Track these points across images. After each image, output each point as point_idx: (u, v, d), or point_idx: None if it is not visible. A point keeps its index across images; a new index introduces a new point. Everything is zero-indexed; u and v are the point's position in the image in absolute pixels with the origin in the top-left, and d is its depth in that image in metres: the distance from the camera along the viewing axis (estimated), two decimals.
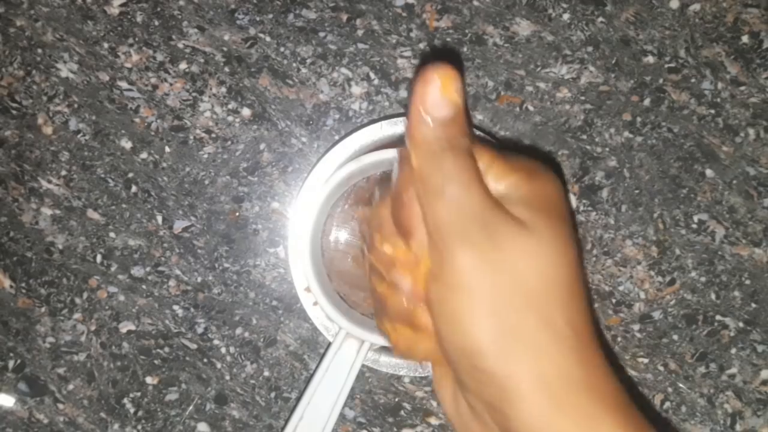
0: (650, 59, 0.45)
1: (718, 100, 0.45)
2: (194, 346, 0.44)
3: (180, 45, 0.44)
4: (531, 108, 0.44)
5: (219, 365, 0.44)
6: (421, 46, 0.44)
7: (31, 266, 0.44)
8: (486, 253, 0.26)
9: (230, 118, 0.44)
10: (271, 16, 0.45)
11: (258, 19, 0.44)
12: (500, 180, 0.28)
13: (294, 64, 0.44)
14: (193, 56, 0.44)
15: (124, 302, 0.44)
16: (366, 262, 0.32)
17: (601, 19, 0.45)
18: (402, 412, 0.44)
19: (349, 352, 0.37)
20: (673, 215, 0.45)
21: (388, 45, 0.44)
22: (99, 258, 0.44)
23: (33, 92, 0.45)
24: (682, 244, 0.45)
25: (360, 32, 0.44)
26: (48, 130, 0.45)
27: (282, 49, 0.44)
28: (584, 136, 0.45)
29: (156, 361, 0.44)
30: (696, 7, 0.45)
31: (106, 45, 0.44)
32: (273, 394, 0.44)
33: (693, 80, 0.45)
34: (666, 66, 0.45)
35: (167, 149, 0.44)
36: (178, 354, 0.44)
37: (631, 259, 0.44)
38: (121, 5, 0.45)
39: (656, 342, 0.44)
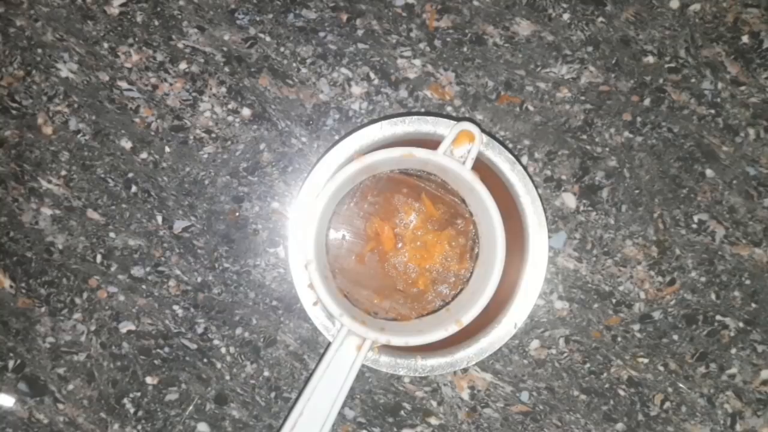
0: (650, 59, 0.45)
1: (718, 100, 0.45)
2: (194, 346, 0.44)
3: (180, 45, 0.44)
4: (531, 108, 0.44)
5: (219, 365, 0.44)
6: (421, 46, 0.44)
7: (31, 266, 0.44)
8: None
9: (230, 118, 0.44)
10: (271, 16, 0.45)
11: (258, 19, 0.45)
12: None
13: (294, 64, 0.44)
14: (193, 56, 0.44)
15: (124, 302, 0.44)
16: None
17: (601, 19, 0.45)
18: (402, 412, 0.44)
19: (349, 350, 0.37)
20: (673, 215, 0.45)
21: (388, 45, 0.44)
22: (99, 258, 0.44)
23: (33, 92, 0.45)
24: (682, 244, 0.45)
25: (360, 32, 0.44)
26: (48, 130, 0.45)
27: (282, 49, 0.44)
28: (584, 136, 0.45)
29: (156, 361, 0.44)
30: (696, 7, 0.45)
31: (106, 45, 0.44)
32: (273, 394, 0.44)
33: (693, 80, 0.45)
34: (666, 66, 0.45)
35: (167, 149, 0.44)
36: (178, 354, 0.44)
37: (631, 259, 0.44)
38: (121, 5, 0.45)
39: (656, 342, 0.44)
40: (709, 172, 0.45)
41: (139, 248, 0.44)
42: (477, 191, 0.37)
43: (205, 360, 0.44)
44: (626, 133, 0.45)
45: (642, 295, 0.44)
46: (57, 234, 0.44)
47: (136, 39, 0.45)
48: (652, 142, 0.45)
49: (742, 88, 0.45)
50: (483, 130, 0.41)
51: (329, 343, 0.38)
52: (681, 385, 0.44)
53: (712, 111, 0.45)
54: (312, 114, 0.44)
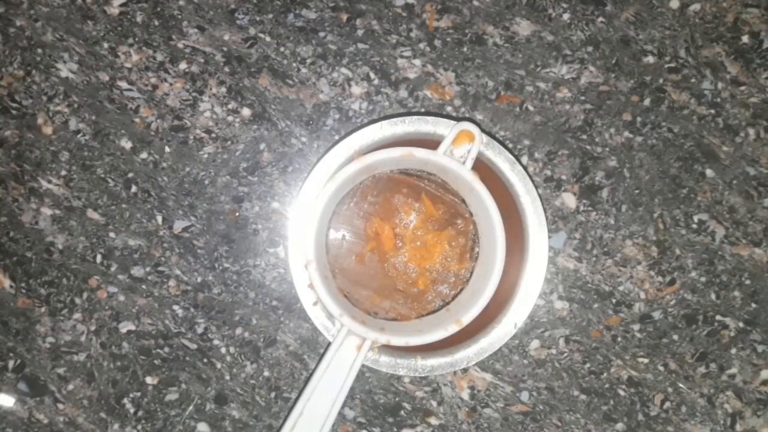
0: (650, 59, 0.45)
1: (718, 100, 0.45)
2: (194, 346, 0.44)
3: (180, 45, 0.44)
4: (531, 108, 0.45)
5: (219, 365, 0.44)
6: (421, 46, 0.44)
7: (31, 266, 0.44)
8: None
9: (230, 118, 0.44)
10: (271, 16, 0.45)
11: (258, 19, 0.45)
12: None
13: (294, 64, 0.44)
14: (193, 56, 0.44)
15: (124, 302, 0.44)
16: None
17: (601, 19, 0.45)
18: (402, 412, 0.44)
19: (349, 350, 0.37)
20: (673, 215, 0.45)
21: (388, 45, 0.44)
22: (99, 258, 0.44)
23: (33, 92, 0.45)
24: (682, 244, 0.45)
25: (360, 32, 0.44)
26: (48, 130, 0.45)
27: (282, 49, 0.44)
28: (584, 136, 0.45)
29: (156, 361, 0.44)
30: (696, 6, 0.45)
31: (106, 45, 0.45)
32: (273, 394, 0.44)
33: (693, 80, 0.45)
34: (666, 66, 0.45)
35: (167, 149, 0.44)
36: (178, 354, 0.44)
37: (631, 259, 0.44)
38: (121, 5, 0.45)
39: (656, 342, 0.44)
40: (709, 172, 0.45)
41: (139, 248, 0.44)
42: (477, 191, 0.37)
43: (205, 360, 0.44)
44: (626, 133, 0.45)
45: (642, 295, 0.44)
46: (57, 234, 0.44)
47: (136, 39, 0.45)
48: (652, 142, 0.45)
49: (742, 88, 0.45)
50: (483, 130, 0.41)
51: (329, 343, 0.38)
52: (681, 385, 0.44)
53: (712, 111, 0.45)
54: (312, 114, 0.44)
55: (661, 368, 0.44)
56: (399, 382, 0.44)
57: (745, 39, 0.45)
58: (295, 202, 0.43)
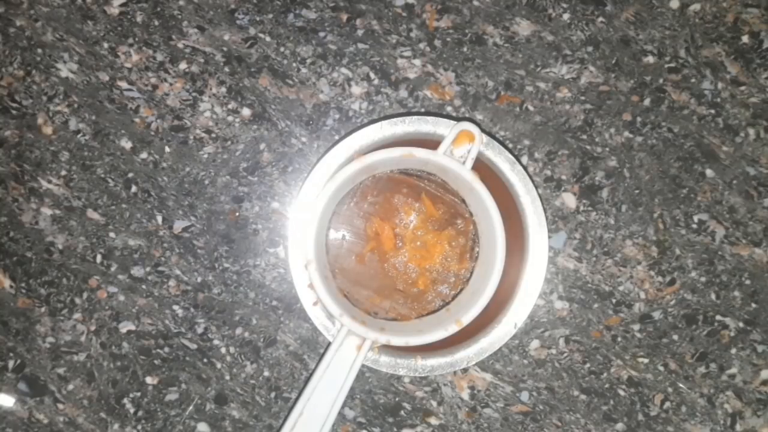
0: (650, 59, 0.45)
1: (718, 100, 0.45)
2: (194, 346, 0.44)
3: (180, 45, 0.44)
4: (531, 108, 0.45)
5: (219, 365, 0.44)
6: (421, 46, 0.44)
7: (31, 266, 0.44)
8: None
9: (230, 118, 0.44)
10: (271, 16, 0.45)
11: (258, 19, 0.45)
12: None
13: (294, 64, 0.44)
14: (193, 56, 0.44)
15: (124, 302, 0.44)
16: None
17: (601, 19, 0.45)
18: (402, 412, 0.44)
19: (349, 350, 0.37)
20: (673, 215, 0.45)
21: (388, 45, 0.44)
22: (99, 258, 0.44)
23: (33, 92, 0.45)
24: (682, 244, 0.45)
25: (360, 32, 0.44)
26: (48, 130, 0.45)
27: (282, 49, 0.44)
28: (584, 136, 0.45)
29: (156, 361, 0.44)
30: (696, 7, 0.45)
31: (106, 45, 0.45)
32: (273, 394, 0.44)
33: (693, 80, 0.45)
34: (666, 66, 0.45)
35: (167, 149, 0.44)
36: (178, 354, 0.44)
37: (631, 259, 0.44)
38: (121, 5, 0.45)
39: (656, 342, 0.44)
40: (709, 172, 0.45)
41: (139, 248, 0.44)
42: (477, 191, 0.37)
43: (205, 360, 0.44)
44: (626, 133, 0.45)
45: (642, 295, 0.44)
46: (57, 234, 0.44)
47: (136, 39, 0.45)
48: (652, 142, 0.45)
49: (742, 88, 0.45)
50: (483, 130, 0.41)
51: (329, 343, 0.38)
52: (681, 385, 0.44)
53: (712, 111, 0.45)
54: (312, 114, 0.44)
55: (661, 368, 0.44)
56: (399, 382, 0.44)
57: (745, 39, 0.45)
58: (295, 202, 0.43)
